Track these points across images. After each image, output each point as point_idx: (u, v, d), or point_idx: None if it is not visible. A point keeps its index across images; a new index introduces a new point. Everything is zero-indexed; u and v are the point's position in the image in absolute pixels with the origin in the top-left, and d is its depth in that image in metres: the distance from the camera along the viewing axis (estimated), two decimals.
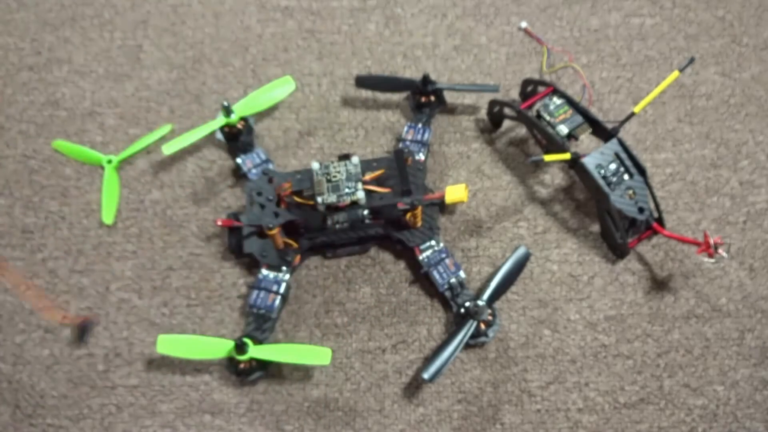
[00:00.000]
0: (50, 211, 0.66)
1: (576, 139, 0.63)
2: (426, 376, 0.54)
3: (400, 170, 0.60)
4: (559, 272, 0.63)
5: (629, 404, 0.57)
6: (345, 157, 0.60)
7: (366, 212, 0.62)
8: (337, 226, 0.62)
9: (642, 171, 0.60)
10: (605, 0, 0.78)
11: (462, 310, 0.58)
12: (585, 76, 0.72)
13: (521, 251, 0.59)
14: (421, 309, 0.61)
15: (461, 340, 0.56)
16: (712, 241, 0.55)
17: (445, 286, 0.60)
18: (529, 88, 0.68)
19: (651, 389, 0.58)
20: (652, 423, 0.56)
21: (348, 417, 0.57)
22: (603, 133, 0.62)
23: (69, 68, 0.74)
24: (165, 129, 0.69)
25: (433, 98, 0.69)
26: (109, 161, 0.67)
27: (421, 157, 0.65)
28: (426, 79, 0.67)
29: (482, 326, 0.58)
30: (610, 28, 0.76)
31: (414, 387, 0.58)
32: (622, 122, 0.61)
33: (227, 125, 0.66)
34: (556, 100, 0.63)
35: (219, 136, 0.68)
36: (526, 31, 0.76)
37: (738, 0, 0.77)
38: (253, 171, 0.65)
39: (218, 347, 0.56)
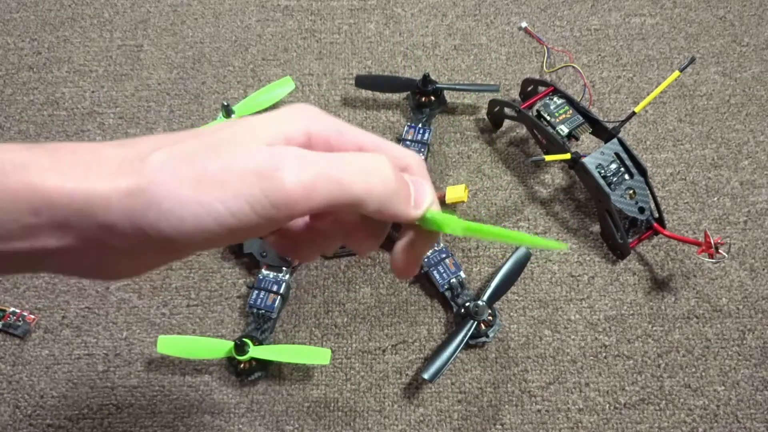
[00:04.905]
0: None
1: (576, 139, 0.62)
2: (426, 376, 0.54)
3: None
4: (560, 272, 0.63)
5: (629, 404, 0.57)
6: None
7: None
8: None
9: (643, 171, 0.60)
10: (605, 0, 0.78)
11: (462, 310, 0.58)
12: (585, 75, 0.72)
13: (521, 251, 0.59)
14: (421, 309, 0.61)
15: (461, 341, 0.56)
16: (712, 241, 0.55)
17: (446, 286, 0.60)
18: (530, 88, 0.68)
19: (651, 389, 0.58)
20: (653, 423, 0.56)
21: (348, 417, 0.57)
22: (603, 133, 0.62)
23: (69, 68, 0.74)
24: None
25: (433, 98, 0.68)
26: None
27: (421, 157, 0.65)
28: (426, 79, 0.67)
29: (482, 326, 0.57)
30: (611, 28, 0.76)
31: (414, 387, 0.58)
32: (623, 122, 0.61)
33: None
34: (557, 100, 0.63)
35: None
36: (526, 30, 0.76)
37: None
38: None
39: (218, 347, 0.56)
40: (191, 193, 0.20)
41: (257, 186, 0.20)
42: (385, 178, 0.22)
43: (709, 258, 0.55)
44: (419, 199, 0.24)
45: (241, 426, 0.57)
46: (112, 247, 0.21)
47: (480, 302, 0.57)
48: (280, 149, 0.21)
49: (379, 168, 0.22)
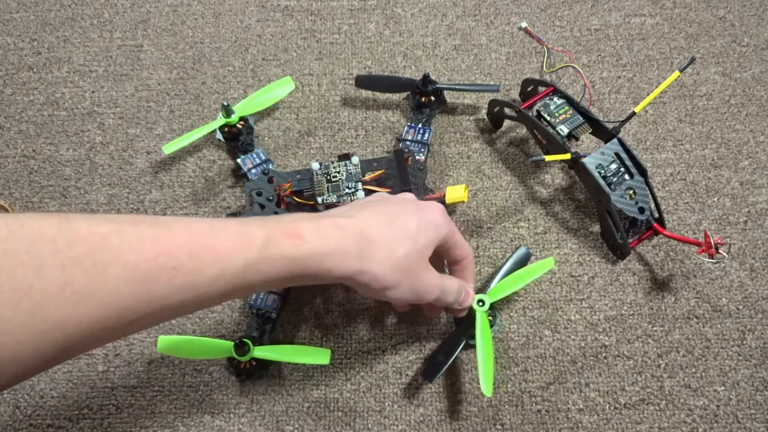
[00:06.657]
0: (50, 211, 0.66)
1: (576, 139, 0.63)
2: (426, 376, 0.54)
3: (400, 170, 0.60)
4: (560, 272, 0.63)
5: (629, 405, 0.57)
6: (345, 157, 0.60)
7: None
8: None
9: (643, 171, 0.60)
10: (605, 0, 0.78)
11: None
12: (585, 76, 0.72)
13: (521, 251, 0.59)
14: (422, 309, 0.61)
15: (461, 340, 0.56)
16: (712, 242, 0.55)
17: None
18: (530, 88, 0.68)
19: (651, 390, 0.58)
20: (653, 423, 0.56)
21: (348, 417, 0.57)
22: (603, 133, 0.62)
23: (69, 68, 0.74)
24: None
25: (433, 98, 0.68)
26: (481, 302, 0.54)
27: (421, 157, 0.65)
28: (426, 79, 0.67)
29: None
30: (611, 28, 0.76)
31: (414, 387, 0.58)
32: (623, 122, 0.61)
33: (227, 125, 0.66)
34: (557, 100, 0.63)
35: (219, 136, 0.68)
36: (526, 31, 0.76)
37: None
38: (253, 171, 0.65)
39: (218, 347, 0.56)
40: (396, 278, 0.44)
41: (419, 299, 0.47)
42: (453, 300, 0.50)
43: (709, 258, 0.55)
44: (464, 302, 0.52)
45: (241, 426, 0.57)
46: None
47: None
48: (432, 288, 0.47)
49: (451, 298, 0.50)
